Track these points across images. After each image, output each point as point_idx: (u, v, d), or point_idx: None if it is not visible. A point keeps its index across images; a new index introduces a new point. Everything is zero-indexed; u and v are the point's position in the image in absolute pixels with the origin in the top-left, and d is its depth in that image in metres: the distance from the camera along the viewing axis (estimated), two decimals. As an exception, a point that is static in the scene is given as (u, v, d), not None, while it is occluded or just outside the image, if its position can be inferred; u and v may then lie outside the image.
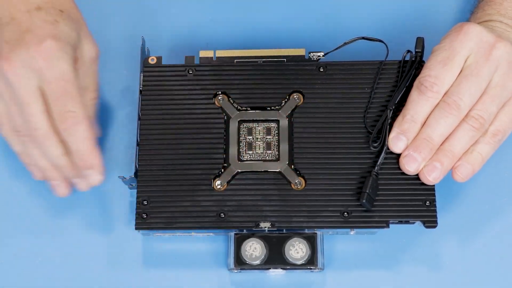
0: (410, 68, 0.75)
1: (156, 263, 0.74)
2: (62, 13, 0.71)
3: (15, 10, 0.71)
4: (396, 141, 0.73)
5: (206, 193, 0.73)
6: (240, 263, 0.72)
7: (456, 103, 0.71)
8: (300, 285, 0.73)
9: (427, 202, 0.72)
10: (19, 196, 0.77)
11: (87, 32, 0.73)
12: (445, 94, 0.72)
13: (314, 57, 0.77)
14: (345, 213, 0.72)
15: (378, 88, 0.76)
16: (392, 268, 0.74)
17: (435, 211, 0.72)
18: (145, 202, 0.73)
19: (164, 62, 0.77)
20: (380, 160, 0.73)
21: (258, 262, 0.72)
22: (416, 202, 0.72)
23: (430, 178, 0.72)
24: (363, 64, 0.76)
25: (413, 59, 0.75)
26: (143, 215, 0.73)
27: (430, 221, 0.72)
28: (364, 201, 0.72)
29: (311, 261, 0.72)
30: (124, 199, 0.76)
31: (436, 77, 0.72)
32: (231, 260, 0.73)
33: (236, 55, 0.77)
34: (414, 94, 0.73)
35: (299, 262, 0.72)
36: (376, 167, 0.73)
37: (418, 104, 0.72)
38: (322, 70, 0.76)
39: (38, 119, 0.70)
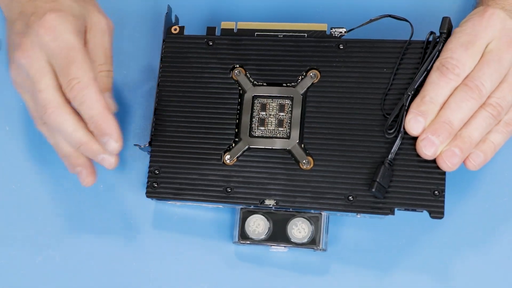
0: (433, 50, 0.72)
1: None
2: None
3: (20, 4, 0.73)
4: (414, 123, 0.70)
5: (215, 167, 0.74)
6: (244, 237, 0.73)
7: (478, 88, 0.69)
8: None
9: (436, 191, 0.70)
10: (18, 193, 0.79)
11: (96, 5, 0.74)
12: (466, 78, 0.69)
13: (336, 33, 0.75)
14: (350, 197, 0.71)
15: (400, 69, 0.73)
16: (395, 257, 0.73)
17: (443, 201, 0.70)
18: (156, 172, 0.75)
19: (187, 32, 0.77)
20: (394, 148, 0.70)
21: (261, 237, 0.73)
22: (425, 191, 0.70)
23: (449, 164, 0.70)
24: (385, 42, 0.73)
25: (437, 40, 0.72)
26: (154, 184, 0.75)
27: (437, 212, 0.70)
28: (373, 190, 0.70)
29: (313, 241, 0.73)
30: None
31: (458, 60, 0.69)
32: (236, 233, 0.74)
33: (258, 28, 0.76)
34: (434, 76, 0.70)
35: (301, 242, 0.73)
36: (390, 155, 0.71)
37: (438, 86, 0.70)
38: (341, 47, 0.74)
39: (47, 95, 0.69)
